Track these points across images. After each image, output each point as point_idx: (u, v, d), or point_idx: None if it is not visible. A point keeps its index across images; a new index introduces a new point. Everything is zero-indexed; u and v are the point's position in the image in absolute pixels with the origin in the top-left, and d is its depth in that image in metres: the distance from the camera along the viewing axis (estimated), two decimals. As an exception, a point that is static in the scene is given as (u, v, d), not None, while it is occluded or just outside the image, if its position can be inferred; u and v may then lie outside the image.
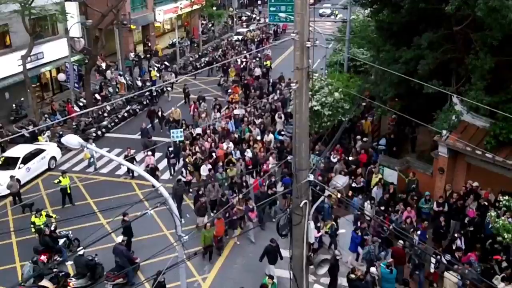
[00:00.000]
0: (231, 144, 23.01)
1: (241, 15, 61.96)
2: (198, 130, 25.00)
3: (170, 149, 22.99)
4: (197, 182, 21.35)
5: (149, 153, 22.36)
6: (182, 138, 23.69)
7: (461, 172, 18.10)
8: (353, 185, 18.94)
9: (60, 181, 20.31)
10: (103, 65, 37.68)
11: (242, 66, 37.90)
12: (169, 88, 34.30)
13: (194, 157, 21.93)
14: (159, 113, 28.11)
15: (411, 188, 18.52)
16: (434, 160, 18.63)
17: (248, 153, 22.11)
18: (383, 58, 20.03)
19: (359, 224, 16.54)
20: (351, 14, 28.56)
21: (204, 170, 21.07)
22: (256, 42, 47.22)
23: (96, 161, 23.96)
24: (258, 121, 25.59)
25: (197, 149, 22.75)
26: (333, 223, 16.80)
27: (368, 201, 17.65)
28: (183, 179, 20.70)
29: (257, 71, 36.00)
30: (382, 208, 17.17)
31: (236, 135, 24.42)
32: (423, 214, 17.43)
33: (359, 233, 16.03)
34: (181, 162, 23.13)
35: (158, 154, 24.12)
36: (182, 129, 24.24)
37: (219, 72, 38.67)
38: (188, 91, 32.68)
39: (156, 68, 37.47)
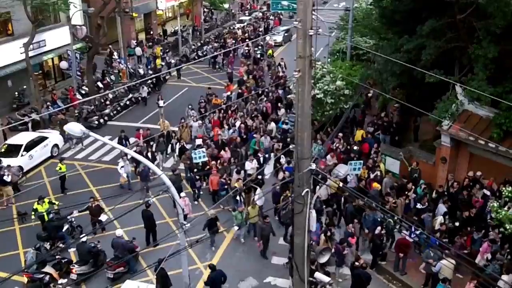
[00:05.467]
0: (254, 163, 20.17)
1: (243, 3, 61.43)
2: (199, 141, 22.49)
3: (195, 170, 20.64)
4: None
5: (182, 194, 17.97)
6: (206, 159, 20.63)
7: (463, 162, 18.06)
8: (418, 206, 16.94)
9: (61, 169, 20.41)
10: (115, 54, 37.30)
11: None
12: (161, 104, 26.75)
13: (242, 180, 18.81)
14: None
15: (413, 177, 18.51)
16: (436, 150, 18.59)
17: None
18: (385, 47, 19.90)
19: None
20: (354, 2, 28.35)
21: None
22: (234, 43, 40.62)
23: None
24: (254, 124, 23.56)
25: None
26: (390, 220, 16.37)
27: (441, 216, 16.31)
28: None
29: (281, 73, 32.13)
30: (457, 224, 15.94)
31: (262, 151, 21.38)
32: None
33: None
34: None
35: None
36: (203, 149, 20.90)
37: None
38: (210, 99, 27.95)
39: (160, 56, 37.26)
